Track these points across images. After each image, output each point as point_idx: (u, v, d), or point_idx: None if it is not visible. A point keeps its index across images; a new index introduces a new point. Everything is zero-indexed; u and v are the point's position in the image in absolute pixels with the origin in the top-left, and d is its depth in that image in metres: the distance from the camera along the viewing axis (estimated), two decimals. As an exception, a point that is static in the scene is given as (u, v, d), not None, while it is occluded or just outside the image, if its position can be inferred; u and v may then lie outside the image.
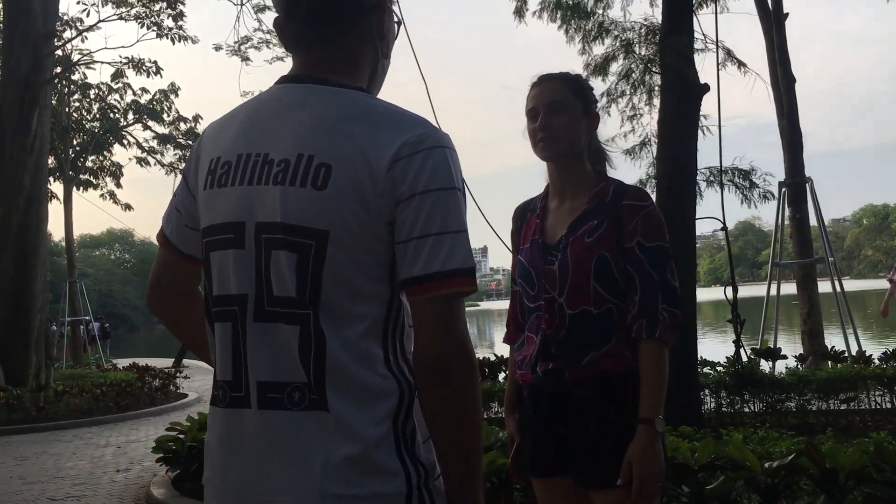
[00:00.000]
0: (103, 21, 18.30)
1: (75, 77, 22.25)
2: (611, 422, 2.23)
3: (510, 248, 2.68)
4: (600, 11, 10.16)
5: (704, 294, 12.06)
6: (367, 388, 1.26)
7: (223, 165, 1.37)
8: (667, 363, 2.24)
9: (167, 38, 18.18)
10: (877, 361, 8.95)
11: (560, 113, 2.33)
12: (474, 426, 1.28)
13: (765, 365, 9.30)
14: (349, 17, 1.39)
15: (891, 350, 9.09)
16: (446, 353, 1.26)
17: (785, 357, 9.68)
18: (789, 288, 14.03)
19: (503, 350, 9.59)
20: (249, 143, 1.36)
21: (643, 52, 8.85)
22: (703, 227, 7.84)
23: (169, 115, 23.35)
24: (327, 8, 1.38)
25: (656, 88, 8.77)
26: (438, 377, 1.27)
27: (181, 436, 6.78)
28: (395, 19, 1.50)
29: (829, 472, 3.79)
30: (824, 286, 13.34)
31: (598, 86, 9.65)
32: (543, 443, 2.34)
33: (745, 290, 8.64)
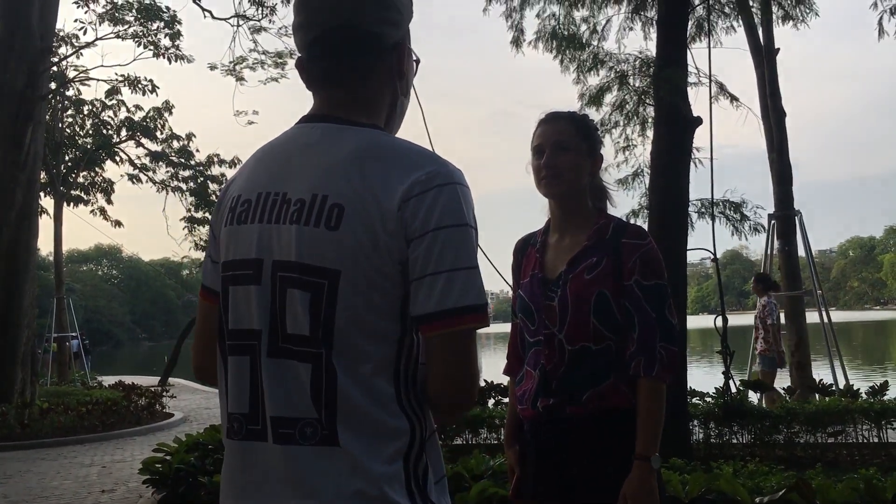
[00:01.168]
0: (100, 39, 18.37)
1: (69, 93, 22.25)
2: (609, 456, 2.26)
3: (501, 274, 2.71)
4: (595, 43, 10.29)
5: (692, 322, 12.11)
6: (378, 425, 1.28)
7: (243, 203, 1.41)
8: (664, 401, 2.27)
9: (163, 57, 18.24)
10: (864, 395, 8.99)
11: (566, 153, 2.38)
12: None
13: (753, 397, 9.32)
14: (369, 59, 1.43)
15: (878, 384, 9.13)
16: (458, 393, 1.31)
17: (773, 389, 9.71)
18: (777, 319, 14.08)
19: (494, 376, 9.58)
20: (268, 182, 1.39)
21: (637, 85, 8.95)
22: (691, 256, 7.92)
23: (162, 133, 23.36)
24: (348, 49, 1.41)
25: (650, 120, 8.85)
26: (446, 414, 1.36)
27: (168, 457, 6.74)
28: (414, 58, 1.53)
29: (818, 508, 3.81)
30: (811, 317, 13.42)
31: (593, 116, 9.72)
32: (544, 475, 2.36)
33: (732, 319, 8.67)
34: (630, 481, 2.20)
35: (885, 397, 8.77)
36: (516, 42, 10.57)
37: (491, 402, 9.37)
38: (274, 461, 1.31)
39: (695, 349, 31.03)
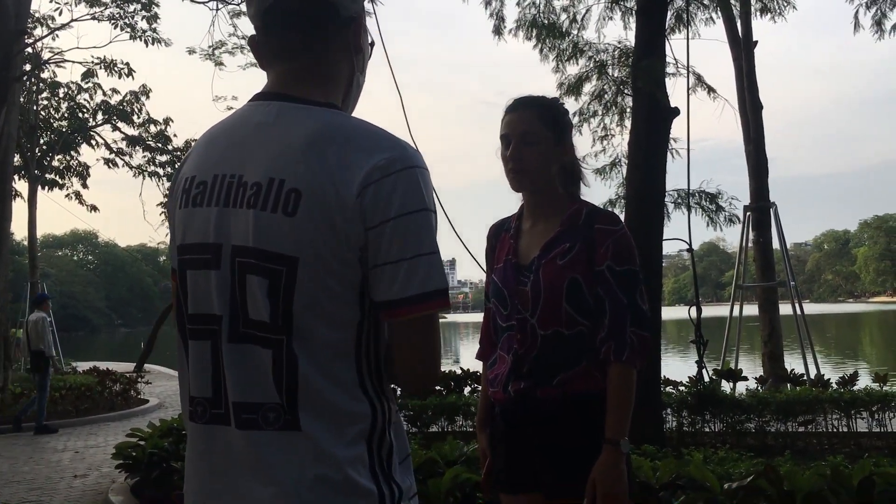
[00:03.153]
0: (76, 20, 18.10)
1: (44, 75, 21.93)
2: (579, 440, 2.28)
3: (481, 265, 2.72)
4: (575, 32, 10.31)
5: (668, 313, 12.26)
6: (340, 409, 1.28)
7: (198, 185, 1.38)
8: (634, 386, 2.29)
9: (140, 39, 18.02)
10: (834, 385, 9.12)
11: (531, 146, 2.37)
12: None
13: (726, 386, 9.44)
14: (324, 30, 1.40)
15: (848, 374, 9.27)
16: (422, 375, 1.34)
17: (746, 378, 9.84)
18: (751, 310, 14.26)
19: (469, 364, 9.62)
20: (223, 163, 1.36)
21: (616, 75, 8.99)
22: (668, 248, 8.00)
23: (139, 117, 23.09)
24: (304, 18, 1.38)
25: (628, 110, 8.90)
26: (410, 390, 1.41)
27: (142, 442, 6.71)
28: (370, 40, 1.51)
29: (786, 495, 3.87)
30: (785, 309, 13.58)
31: (571, 105, 9.78)
32: (515, 459, 2.37)
33: (708, 311, 8.78)
34: (599, 465, 2.22)
35: (855, 388, 8.91)
36: (497, 30, 10.57)
37: (467, 389, 9.42)
38: (237, 446, 1.31)
39: (670, 339, 31.30)
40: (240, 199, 1.32)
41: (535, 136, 2.37)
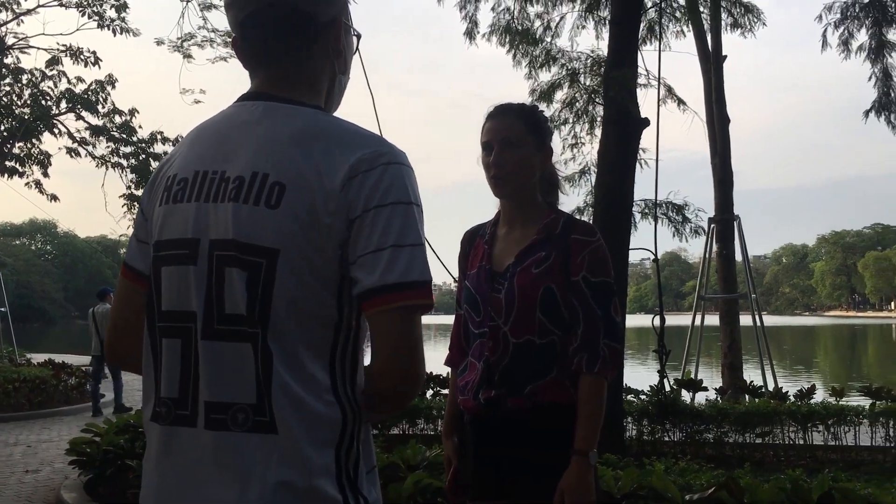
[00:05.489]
0: (42, 6, 17.76)
1: (8, 60, 21.47)
2: (548, 450, 2.27)
3: (445, 266, 2.70)
4: (548, 39, 10.36)
5: (629, 321, 12.41)
6: (311, 413, 1.25)
7: (179, 182, 1.36)
8: (604, 397, 2.29)
9: (108, 28, 17.72)
10: (792, 398, 9.25)
11: (514, 150, 2.35)
12: None
13: (686, 395, 9.52)
14: (303, 38, 1.40)
15: (805, 388, 9.40)
16: (402, 376, 1.27)
17: (706, 389, 9.93)
18: (711, 320, 14.43)
19: (435, 367, 9.59)
20: (206, 160, 1.35)
21: (588, 83, 9.04)
22: (631, 255, 8.04)
23: (104, 107, 22.69)
24: (281, 27, 1.38)
25: (598, 119, 8.95)
26: (389, 401, 1.32)
27: (97, 438, 6.57)
28: (354, 33, 1.51)
29: (746, 507, 3.89)
30: (745, 320, 13.76)
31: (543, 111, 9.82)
32: (483, 467, 2.35)
33: (669, 320, 8.86)
34: (568, 475, 2.21)
35: (812, 401, 9.04)
36: (470, 34, 10.58)
37: (429, 392, 9.39)
38: (203, 447, 1.27)
39: (632, 347, 31.58)
40: (221, 194, 1.30)
41: (517, 142, 2.36)
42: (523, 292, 2.29)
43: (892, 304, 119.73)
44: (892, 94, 10.98)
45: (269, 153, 1.29)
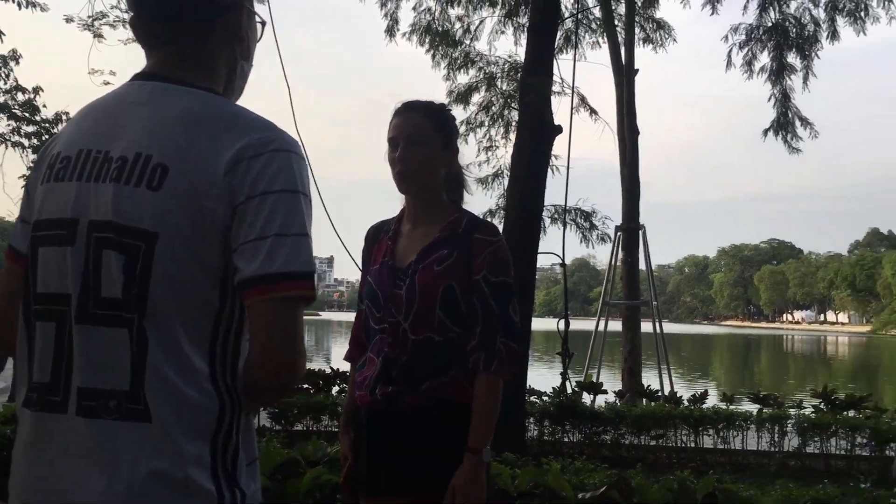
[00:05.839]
0: (-61, -28, 16.81)
1: None
2: (443, 447, 2.29)
3: (357, 264, 2.70)
4: (468, 42, 10.45)
5: (538, 324, 12.65)
6: (187, 401, 1.22)
7: (62, 160, 1.32)
8: (500, 396, 2.32)
9: (13, 1, 16.91)
10: (685, 402, 9.59)
11: (419, 148, 2.36)
12: None
13: (587, 398, 9.76)
14: (200, 17, 1.37)
15: (698, 393, 9.76)
16: (278, 368, 1.24)
17: (605, 392, 10.19)
18: (616, 325, 14.82)
19: (339, 363, 9.53)
20: (90, 139, 1.31)
21: (504, 88, 9.17)
22: (541, 261, 8.19)
23: (6, 83, 21.65)
24: (176, 7, 1.36)
25: (514, 123, 9.08)
26: (266, 392, 1.29)
27: (-19, 429, 6.26)
28: (259, 20, 1.48)
29: (635, 506, 4.02)
30: (646, 327, 14.19)
31: (459, 114, 9.91)
32: (379, 463, 2.36)
33: (576, 324, 9.07)
34: (459, 474, 2.23)
35: (704, 406, 9.39)
36: (390, 31, 10.57)
37: (335, 389, 9.33)
38: (73, 435, 1.23)
39: (539, 350, 32.10)
40: (103, 174, 1.26)
41: (423, 139, 2.37)
42: (424, 289, 2.31)
43: (785, 315, 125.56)
44: (790, 115, 11.52)
45: (154, 134, 1.26)
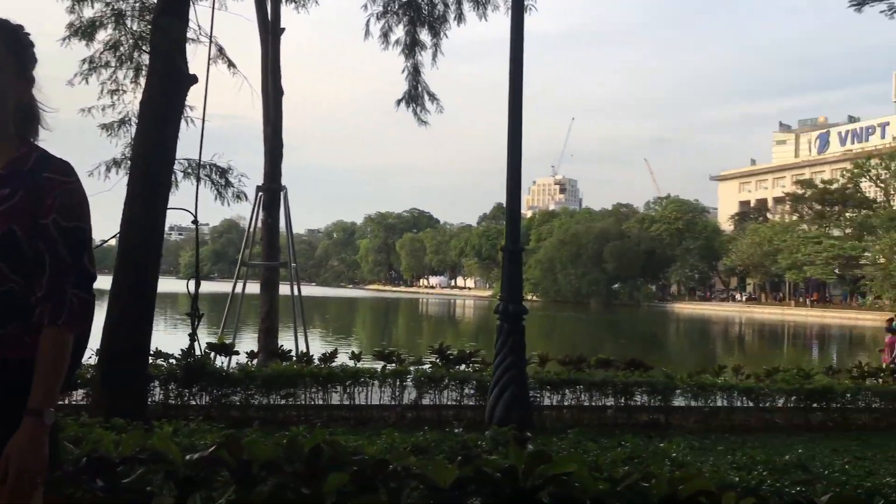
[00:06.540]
0: None
1: None
2: (4, 412, 2.02)
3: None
4: (96, -27, 9.50)
5: (180, 286, 12.20)
6: None
7: None
8: (68, 352, 2.10)
9: None
10: (316, 361, 9.82)
11: None
12: None
13: (223, 360, 9.56)
14: None
15: (328, 352, 10.05)
16: None
17: (237, 353, 10.07)
18: (256, 288, 14.71)
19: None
20: None
21: (135, 28, 8.50)
22: (186, 220, 7.81)
23: None
24: None
25: (144, 68, 8.47)
26: None
27: None
28: None
29: (243, 464, 3.98)
30: (286, 289, 14.29)
31: (82, 51, 8.98)
32: None
33: (221, 287, 8.83)
34: (16, 438, 1.98)
35: (333, 364, 9.70)
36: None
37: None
38: None
39: (175, 312, 30.87)
40: None
41: None
42: (-21, 233, 2.00)
43: (422, 280, 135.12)
44: (420, 89, 12.24)
45: None
